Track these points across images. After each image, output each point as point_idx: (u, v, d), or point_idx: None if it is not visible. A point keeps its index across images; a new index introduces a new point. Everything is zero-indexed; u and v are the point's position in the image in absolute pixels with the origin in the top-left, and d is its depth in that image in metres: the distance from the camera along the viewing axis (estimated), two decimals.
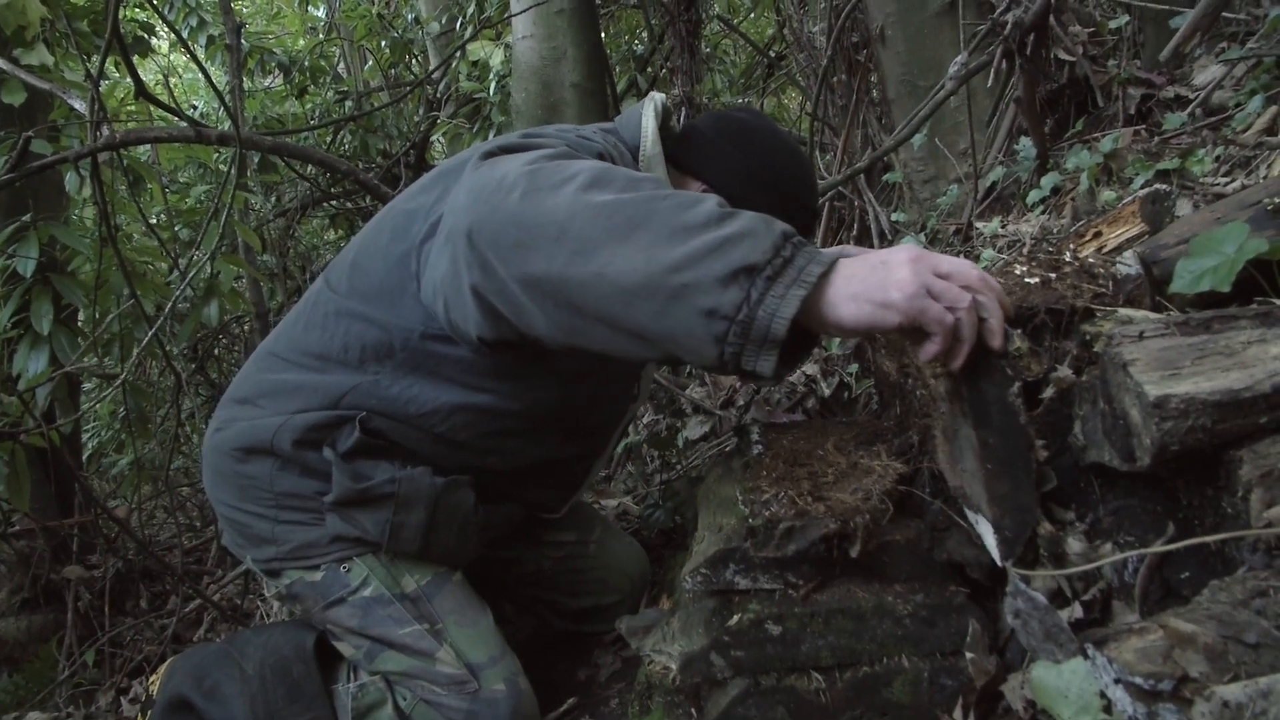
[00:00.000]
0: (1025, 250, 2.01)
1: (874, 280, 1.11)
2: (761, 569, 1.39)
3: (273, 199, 4.91)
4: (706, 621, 1.37)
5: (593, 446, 1.98)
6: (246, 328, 4.82)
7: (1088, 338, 1.47)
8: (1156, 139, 2.89)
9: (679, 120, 4.19)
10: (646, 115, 1.75)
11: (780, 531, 1.31)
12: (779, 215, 1.69)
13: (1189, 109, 2.96)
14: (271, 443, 1.69)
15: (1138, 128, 3.05)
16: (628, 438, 2.89)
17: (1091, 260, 1.62)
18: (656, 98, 1.81)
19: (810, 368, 2.95)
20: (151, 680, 1.93)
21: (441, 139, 5.56)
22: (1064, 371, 1.39)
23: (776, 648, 1.33)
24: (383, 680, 1.72)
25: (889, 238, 3.52)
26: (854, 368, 2.74)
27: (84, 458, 4.41)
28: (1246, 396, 1.02)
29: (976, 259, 2.96)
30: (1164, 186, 1.54)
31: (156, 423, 4.01)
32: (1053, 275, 1.63)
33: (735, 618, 1.35)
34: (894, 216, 3.79)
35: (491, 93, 4.55)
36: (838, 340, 2.98)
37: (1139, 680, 0.86)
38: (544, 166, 1.25)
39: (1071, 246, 1.68)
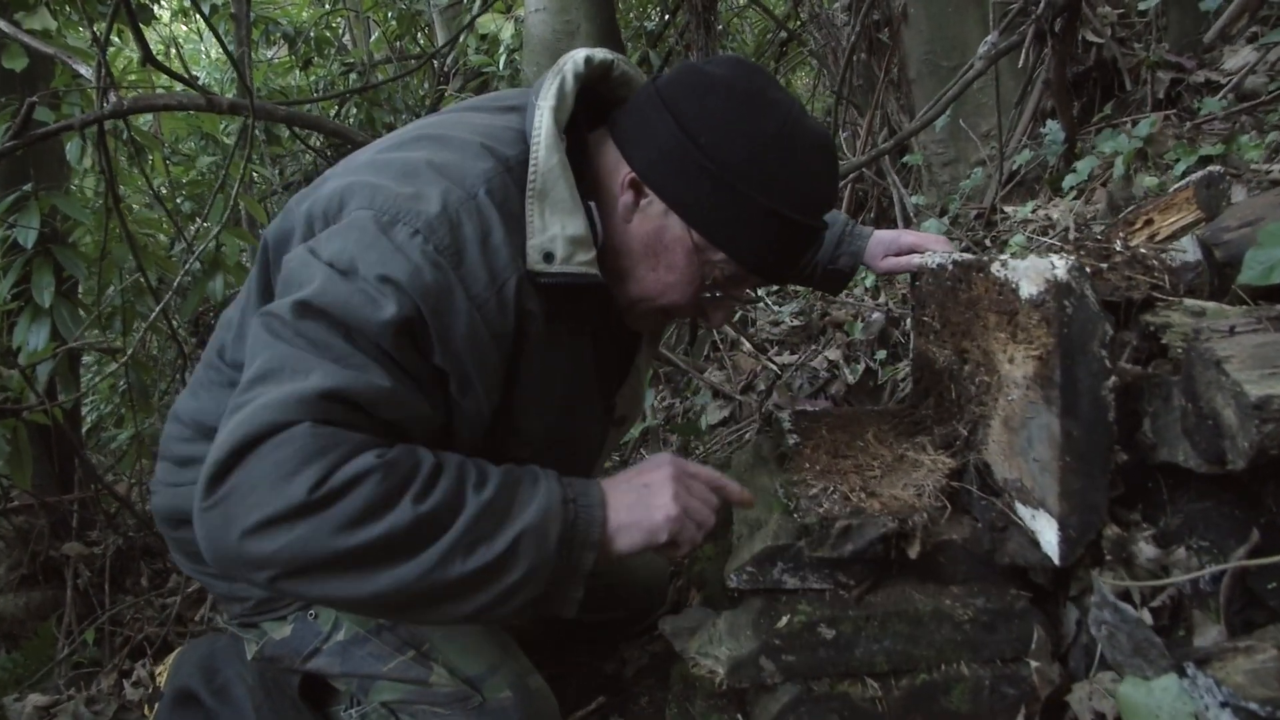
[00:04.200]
0: (1070, 238, 1.93)
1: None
2: (811, 568, 1.33)
3: (277, 171, 4.81)
4: (754, 623, 1.31)
5: None
6: None
7: (1152, 329, 1.41)
8: (1189, 124, 2.82)
9: None
10: (542, 109, 1.37)
11: (837, 531, 1.25)
12: (749, 229, 1.40)
13: (1220, 94, 2.89)
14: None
15: (1168, 112, 2.98)
16: (644, 421, 2.83)
17: (1144, 250, 1.54)
18: (566, 68, 1.42)
19: (832, 353, 2.89)
20: (159, 670, 1.87)
21: None
22: (1127, 365, 1.32)
23: (829, 652, 1.27)
24: (385, 707, 1.60)
25: (913, 219, 3.44)
26: (881, 354, 2.67)
27: (83, 431, 4.34)
28: None
29: (1003, 244, 2.89)
30: (1218, 169, 1.46)
31: (158, 397, 3.93)
32: (1104, 265, 1.56)
33: (785, 619, 1.29)
34: (912, 199, 3.72)
35: (501, 67, 4.47)
36: (860, 325, 2.92)
37: (1254, 706, 0.80)
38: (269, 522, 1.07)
39: (1122, 235, 1.60)
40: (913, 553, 1.26)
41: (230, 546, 1.08)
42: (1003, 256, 1.45)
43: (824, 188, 1.46)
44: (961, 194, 3.52)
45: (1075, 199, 2.67)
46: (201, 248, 2.71)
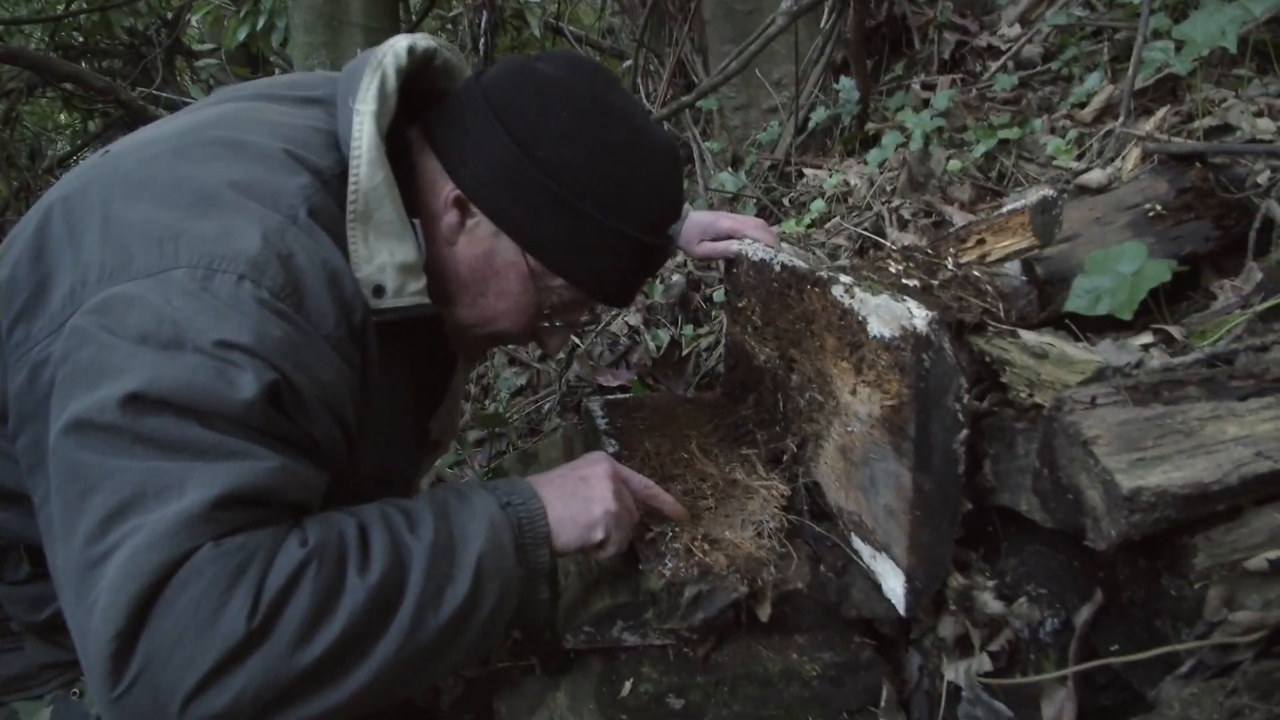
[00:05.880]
0: (897, 246, 1.89)
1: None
2: (652, 626, 1.25)
3: None
4: (596, 693, 1.21)
5: None
6: None
7: (988, 360, 1.39)
8: (974, 89, 2.89)
9: (477, 43, 3.72)
10: (362, 115, 1.15)
11: (686, 601, 1.17)
12: (594, 253, 1.27)
13: (1001, 60, 2.98)
14: None
15: (954, 75, 3.05)
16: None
17: (977, 273, 1.53)
18: (386, 61, 1.20)
19: (632, 317, 2.80)
20: None
21: (199, 22, 4.86)
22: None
23: None
24: None
25: (709, 169, 3.38)
26: (688, 329, 2.61)
27: None
28: (1215, 490, 0.96)
29: (803, 205, 2.89)
30: (1051, 193, 1.45)
31: None
32: (934, 282, 1.53)
33: (628, 685, 1.21)
34: (707, 145, 3.66)
35: None
36: (660, 288, 2.85)
37: None
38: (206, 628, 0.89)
39: (952, 252, 1.58)
40: (763, 614, 1.21)
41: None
42: (845, 279, 1.39)
43: (673, 203, 1.35)
44: (755, 144, 3.49)
45: (876, 166, 2.67)
46: None
